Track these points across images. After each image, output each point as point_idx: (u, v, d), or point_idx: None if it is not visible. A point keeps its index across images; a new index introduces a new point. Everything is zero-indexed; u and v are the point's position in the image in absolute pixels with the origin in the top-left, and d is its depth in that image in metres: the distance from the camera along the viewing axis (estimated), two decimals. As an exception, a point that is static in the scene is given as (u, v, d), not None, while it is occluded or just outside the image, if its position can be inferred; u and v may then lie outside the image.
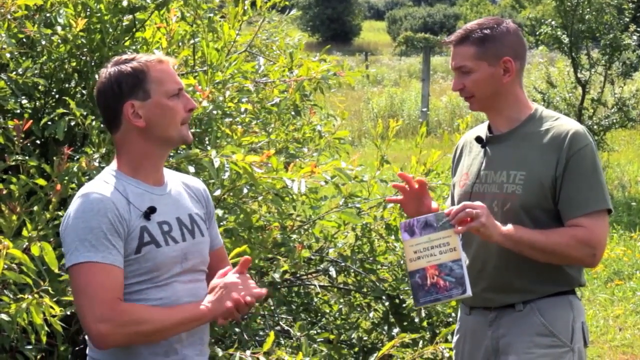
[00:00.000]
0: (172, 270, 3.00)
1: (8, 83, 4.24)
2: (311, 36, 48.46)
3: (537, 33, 15.17)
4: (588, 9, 14.33)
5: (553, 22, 14.60)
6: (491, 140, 3.63)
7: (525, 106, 3.62)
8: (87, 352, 3.05)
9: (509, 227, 3.40)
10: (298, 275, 5.58)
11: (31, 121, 4.06)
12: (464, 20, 52.36)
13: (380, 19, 66.50)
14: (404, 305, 5.39)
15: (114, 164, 3.06)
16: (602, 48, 14.54)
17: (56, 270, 3.44)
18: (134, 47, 4.71)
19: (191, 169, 4.14)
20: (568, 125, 3.52)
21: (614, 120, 14.42)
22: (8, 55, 4.24)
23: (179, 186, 3.15)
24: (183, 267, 3.03)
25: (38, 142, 4.52)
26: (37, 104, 4.65)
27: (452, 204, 3.82)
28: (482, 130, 3.70)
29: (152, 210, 2.97)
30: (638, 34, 14.86)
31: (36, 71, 4.39)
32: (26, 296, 3.54)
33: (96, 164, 4.02)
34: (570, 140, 3.45)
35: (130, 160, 3.02)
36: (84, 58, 4.56)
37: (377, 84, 29.26)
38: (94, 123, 4.22)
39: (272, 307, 5.45)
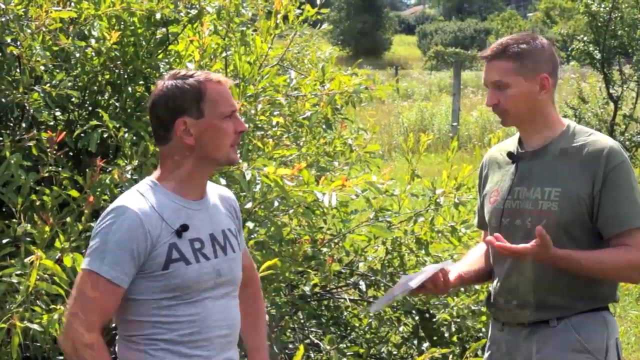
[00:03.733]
0: (203, 286, 2.98)
1: (42, 95, 4.27)
2: (342, 50, 48.46)
3: (569, 49, 15.12)
4: (620, 25, 14.27)
5: (585, 38, 14.55)
6: (523, 156, 3.57)
7: (558, 122, 3.57)
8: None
9: (565, 256, 3.34)
10: (328, 288, 5.57)
11: (64, 133, 4.09)
12: (495, 35, 52.26)
13: (410, 33, 66.57)
14: (434, 319, 5.37)
15: (156, 174, 3.05)
16: (634, 64, 14.48)
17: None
18: (166, 60, 4.74)
19: (222, 181, 4.15)
20: (603, 141, 3.46)
21: (646, 137, 14.35)
22: (42, 67, 4.28)
23: (215, 199, 3.14)
24: (216, 282, 3.02)
25: (71, 154, 4.55)
26: (71, 116, 4.68)
27: (480, 221, 3.81)
28: (511, 146, 3.65)
29: (184, 228, 2.95)
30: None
31: (70, 83, 4.42)
32: (58, 307, 3.56)
33: (128, 175, 4.04)
34: (606, 157, 3.40)
35: (174, 174, 3.01)
36: (117, 71, 4.59)
37: (408, 98, 29.24)
38: (126, 135, 4.24)
39: (302, 321, 5.44)
